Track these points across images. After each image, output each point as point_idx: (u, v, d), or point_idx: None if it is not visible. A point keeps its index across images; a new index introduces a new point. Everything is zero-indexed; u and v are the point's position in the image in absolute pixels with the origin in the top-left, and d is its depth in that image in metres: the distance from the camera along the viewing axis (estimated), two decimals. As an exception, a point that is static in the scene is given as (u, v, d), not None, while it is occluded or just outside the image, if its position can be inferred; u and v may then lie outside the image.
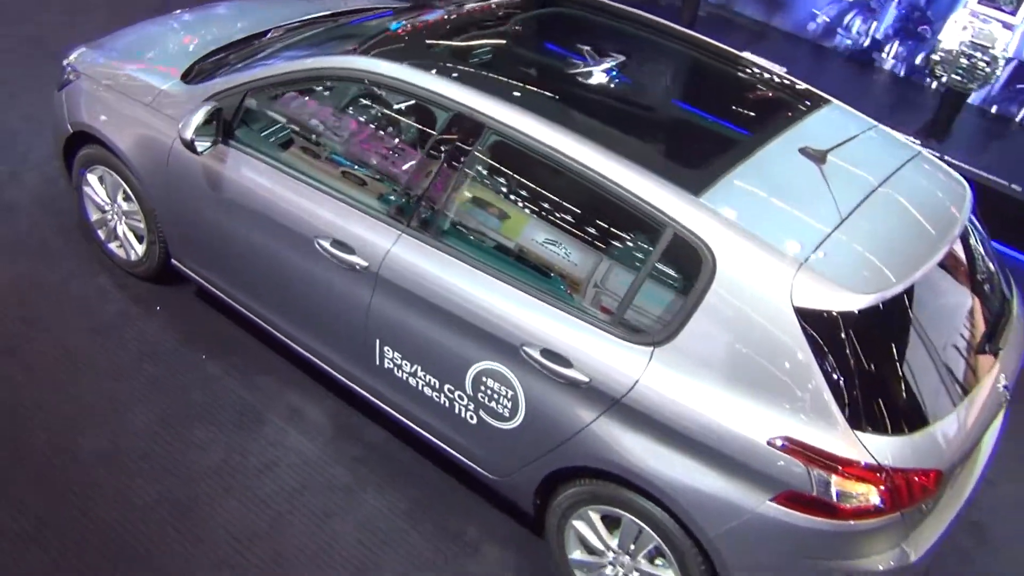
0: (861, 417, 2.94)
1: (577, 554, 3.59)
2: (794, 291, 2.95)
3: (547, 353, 3.29)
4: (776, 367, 2.97)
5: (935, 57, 6.62)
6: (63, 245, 5.06)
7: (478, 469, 3.76)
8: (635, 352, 3.16)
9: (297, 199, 3.85)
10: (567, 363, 3.26)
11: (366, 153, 3.90)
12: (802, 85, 3.99)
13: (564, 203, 3.40)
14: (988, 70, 6.41)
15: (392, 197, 3.69)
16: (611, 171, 3.21)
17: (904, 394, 3.05)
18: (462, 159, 3.53)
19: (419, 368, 3.68)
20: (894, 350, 3.06)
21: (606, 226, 3.33)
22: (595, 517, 3.47)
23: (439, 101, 3.57)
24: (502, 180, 3.57)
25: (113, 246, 4.89)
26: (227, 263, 4.32)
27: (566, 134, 3.31)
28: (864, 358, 2.96)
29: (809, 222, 3.16)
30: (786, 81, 3.99)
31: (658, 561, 3.38)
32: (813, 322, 2.93)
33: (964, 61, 6.43)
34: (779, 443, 2.95)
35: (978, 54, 6.39)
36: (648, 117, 3.72)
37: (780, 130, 3.54)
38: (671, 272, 3.17)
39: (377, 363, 3.82)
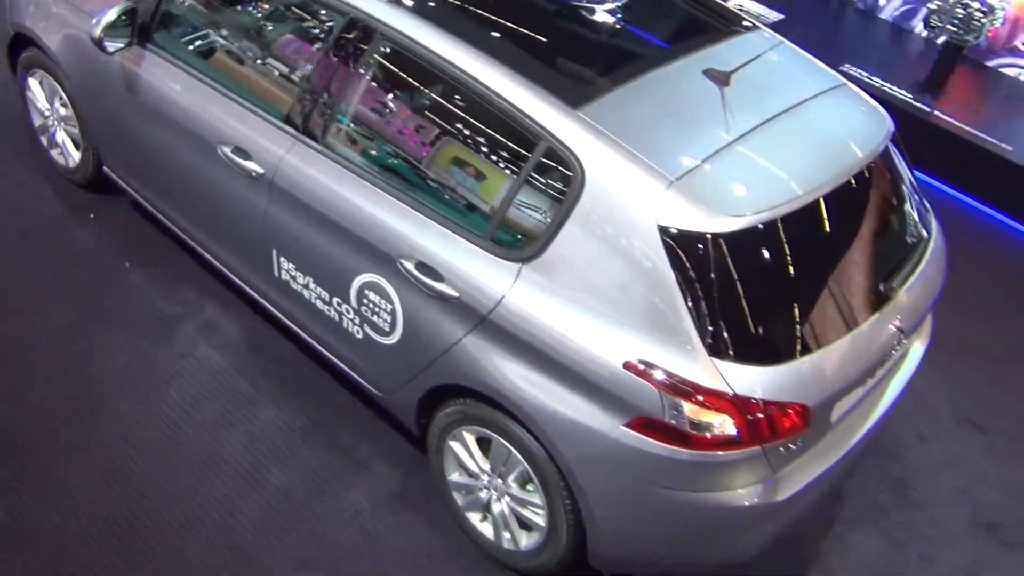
0: (722, 344, 2.82)
1: (455, 476, 3.54)
2: (660, 209, 2.83)
3: (421, 266, 3.21)
4: (638, 288, 2.86)
5: (931, 6, 6.32)
6: (9, 150, 5.07)
7: (367, 385, 3.71)
8: (503, 268, 3.07)
9: (205, 104, 3.80)
10: (439, 277, 3.18)
11: (268, 60, 3.82)
12: (742, 14, 3.80)
13: (448, 114, 3.30)
14: (984, 20, 6.11)
15: (288, 104, 3.61)
16: (492, 80, 3.10)
17: (774, 324, 2.93)
18: (351, 66, 3.44)
19: (311, 280, 3.62)
20: (769, 277, 2.93)
21: (486, 138, 3.22)
22: (470, 439, 3.40)
23: (333, 4, 3.48)
24: (389, 89, 3.47)
25: (54, 153, 4.89)
26: (146, 170, 4.29)
27: (454, 42, 3.20)
28: (733, 283, 2.83)
29: (693, 142, 3.02)
30: (724, 8, 3.80)
31: (529, 486, 3.31)
32: (678, 242, 2.81)
33: (960, 11, 6.14)
34: (634, 366, 2.85)
35: (974, 4, 6.09)
36: (552, 31, 3.57)
37: (690, 51, 3.38)
38: (544, 187, 3.06)
39: (275, 274, 3.77)
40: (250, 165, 3.61)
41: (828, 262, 3.07)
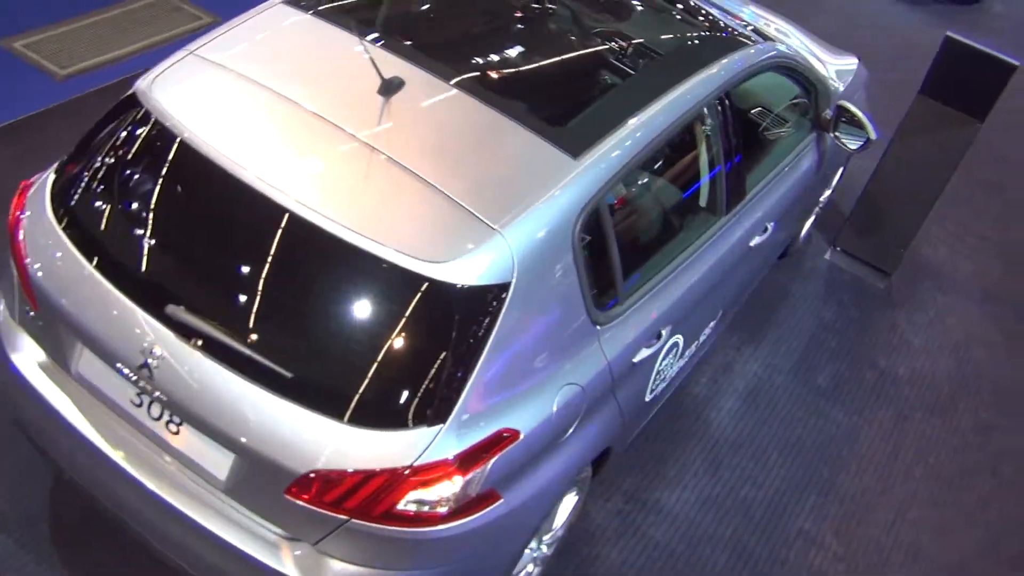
0: (69, 210, 2.95)
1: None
2: (159, 68, 3.05)
3: None
4: None
5: None
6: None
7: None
8: None
9: None
10: None
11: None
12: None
13: None
14: None
15: None
16: None
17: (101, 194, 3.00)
18: None
19: None
20: (139, 169, 2.92)
21: None
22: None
23: None
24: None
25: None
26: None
27: None
28: (114, 143, 2.96)
29: (256, 66, 3.01)
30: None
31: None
32: (134, 87, 3.05)
33: None
34: None
35: None
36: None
37: (468, 87, 3.04)
38: None
39: None
40: None
41: (185, 220, 2.88)
